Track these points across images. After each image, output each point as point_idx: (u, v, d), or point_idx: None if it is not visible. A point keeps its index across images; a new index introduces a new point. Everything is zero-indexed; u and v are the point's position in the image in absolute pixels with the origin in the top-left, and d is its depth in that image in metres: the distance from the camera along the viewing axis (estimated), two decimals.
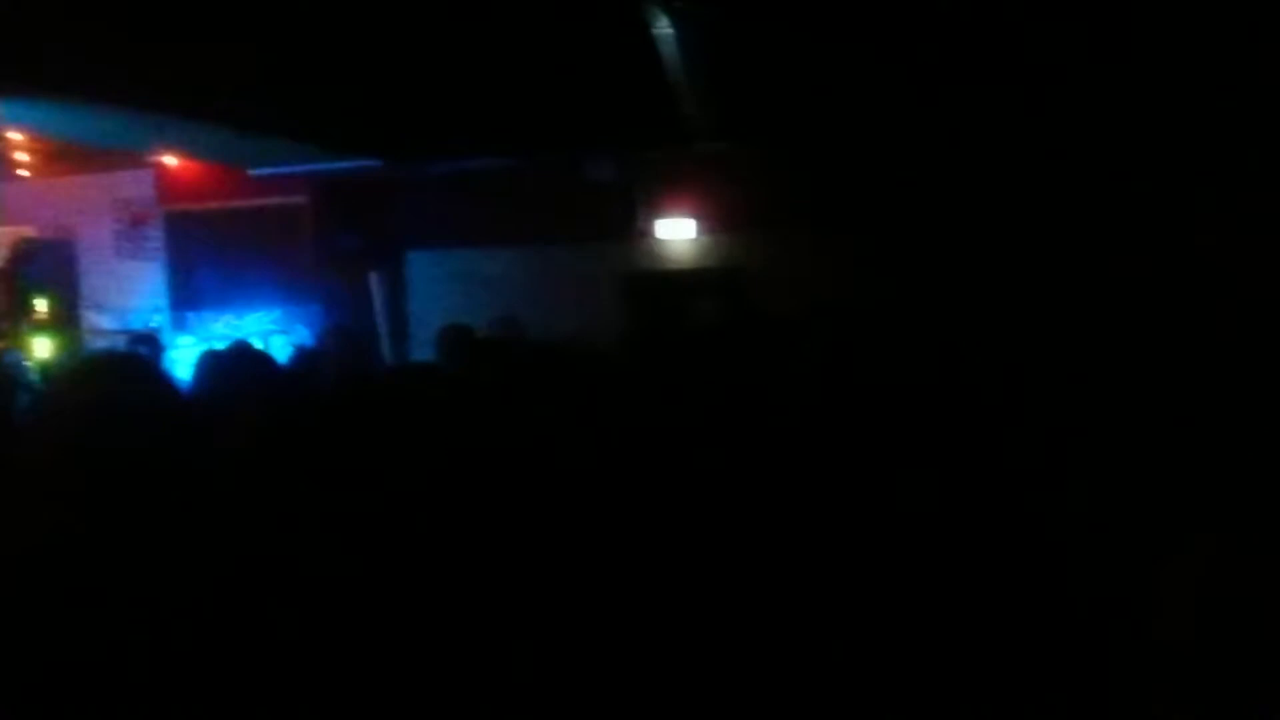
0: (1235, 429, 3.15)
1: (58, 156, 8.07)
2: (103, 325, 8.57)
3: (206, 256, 8.75)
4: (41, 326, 7.97)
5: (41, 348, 7.74)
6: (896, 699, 2.40)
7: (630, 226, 8.24)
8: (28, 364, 6.77)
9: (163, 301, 8.90)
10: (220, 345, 4.54)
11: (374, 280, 8.52)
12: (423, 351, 7.20)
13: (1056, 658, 2.43)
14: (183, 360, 7.20)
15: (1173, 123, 6.12)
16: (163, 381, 2.12)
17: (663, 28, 5.38)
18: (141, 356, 5.12)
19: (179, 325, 8.72)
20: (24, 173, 8.27)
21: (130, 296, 8.86)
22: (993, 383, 3.77)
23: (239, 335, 7.50)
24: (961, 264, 6.64)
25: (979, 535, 2.78)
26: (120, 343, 6.74)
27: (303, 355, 5.05)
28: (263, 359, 3.59)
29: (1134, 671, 2.34)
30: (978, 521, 2.85)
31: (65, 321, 8.30)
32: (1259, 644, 2.22)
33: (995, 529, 2.81)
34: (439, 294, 8.22)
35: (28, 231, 8.62)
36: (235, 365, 3.27)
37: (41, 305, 8.08)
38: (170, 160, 8.60)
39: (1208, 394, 3.46)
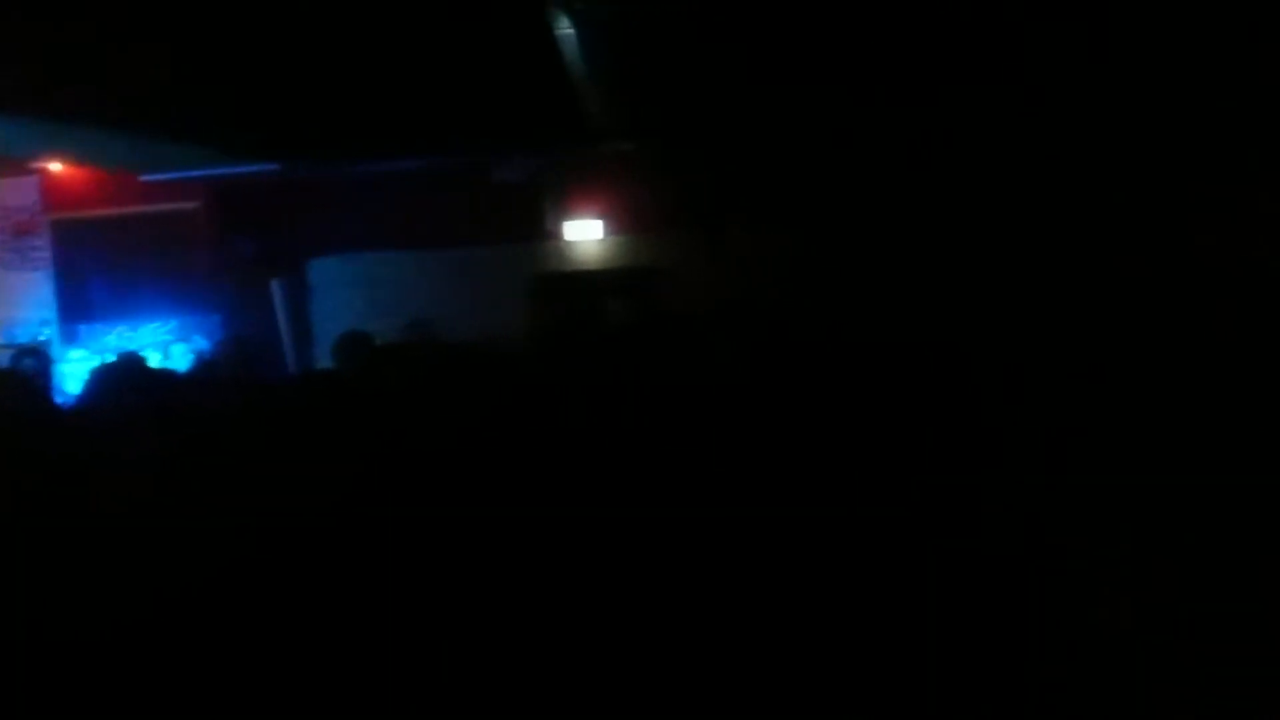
0: (1159, 427, 3.23)
1: None
2: None
3: (97, 266, 8.43)
4: None
5: None
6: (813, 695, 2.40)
7: (538, 228, 8.18)
8: None
9: (51, 313, 8.56)
10: (112, 358, 4.38)
11: (275, 287, 8.32)
12: (329, 360, 7.05)
13: (978, 649, 2.45)
14: (74, 374, 6.94)
15: (1086, 115, 6.25)
16: (42, 396, 2.02)
17: (564, 28, 5.34)
18: (23, 371, 4.91)
19: (69, 338, 8.39)
20: None
21: (15, 309, 8.50)
22: (905, 379, 3.81)
23: (132, 347, 7.26)
24: (875, 261, 6.72)
25: (896, 531, 2.80)
26: (4, 357, 6.46)
27: (199, 366, 4.89)
28: (153, 372, 3.46)
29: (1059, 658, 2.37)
30: (895, 517, 2.87)
31: None
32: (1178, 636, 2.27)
33: (911, 524, 2.84)
34: (344, 300, 8.07)
35: None
36: (123, 379, 3.14)
37: None
38: (56, 166, 8.27)
39: (1118, 391, 3.54)
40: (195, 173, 7.96)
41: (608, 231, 8.16)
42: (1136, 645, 2.38)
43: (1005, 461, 3.12)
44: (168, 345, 7.91)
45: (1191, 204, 6.22)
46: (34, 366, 5.38)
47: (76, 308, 8.47)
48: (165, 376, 3.48)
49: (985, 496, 2.87)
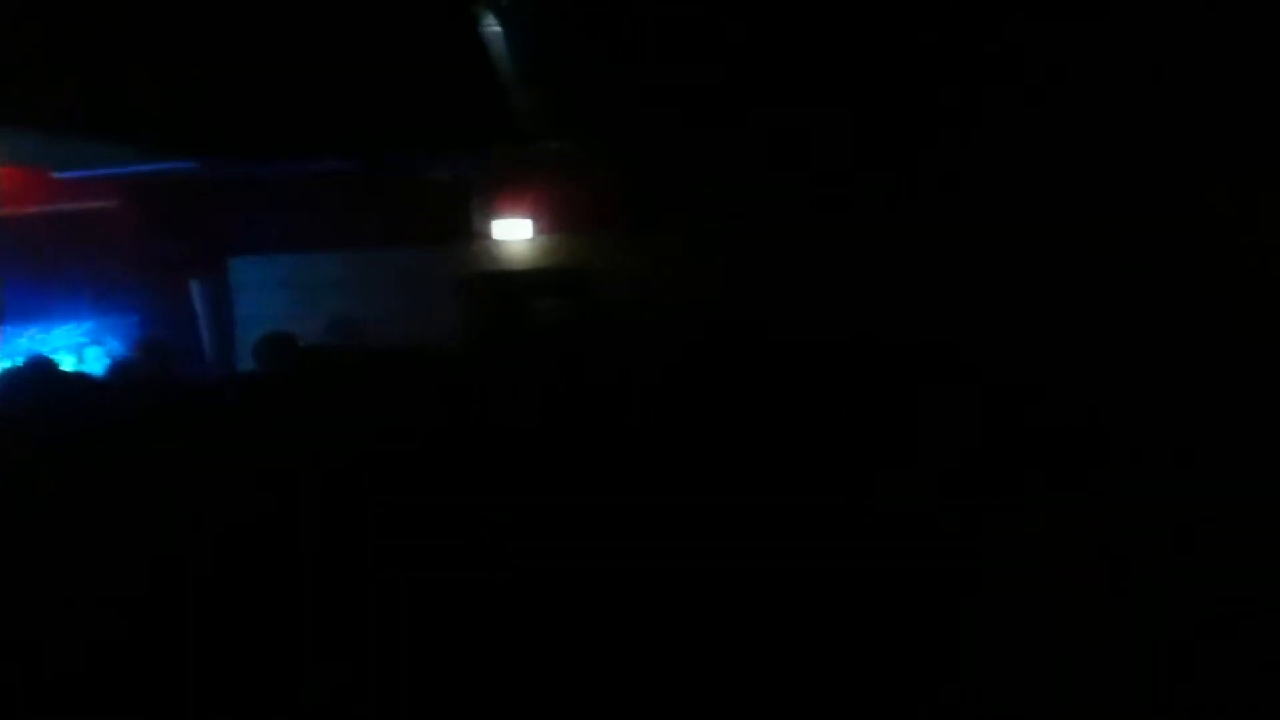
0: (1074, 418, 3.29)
1: None
2: None
3: (8, 266, 8.17)
4: None
5: None
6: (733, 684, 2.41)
7: (466, 228, 8.11)
8: None
9: None
10: (22, 361, 4.24)
11: (196, 288, 8.14)
12: (252, 362, 6.93)
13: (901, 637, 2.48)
14: None
15: (1011, 113, 6.34)
16: None
17: (490, 25, 5.30)
18: None
19: None
20: None
21: None
22: (837, 377, 3.84)
23: (45, 350, 7.05)
24: (807, 261, 6.75)
25: (831, 528, 2.82)
26: None
27: (114, 370, 4.76)
28: (66, 375, 3.36)
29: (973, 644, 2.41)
30: (829, 513, 2.90)
31: None
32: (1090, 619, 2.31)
33: (846, 520, 2.86)
34: (268, 301, 7.92)
35: None
36: (34, 383, 3.04)
37: None
38: None
39: (1043, 383, 3.61)
40: (112, 170, 7.76)
41: (537, 231, 8.11)
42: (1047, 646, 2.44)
43: (944, 457, 3.15)
44: (82, 348, 7.69)
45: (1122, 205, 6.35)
46: None
47: None
48: (78, 380, 3.38)
49: (924, 493, 2.91)
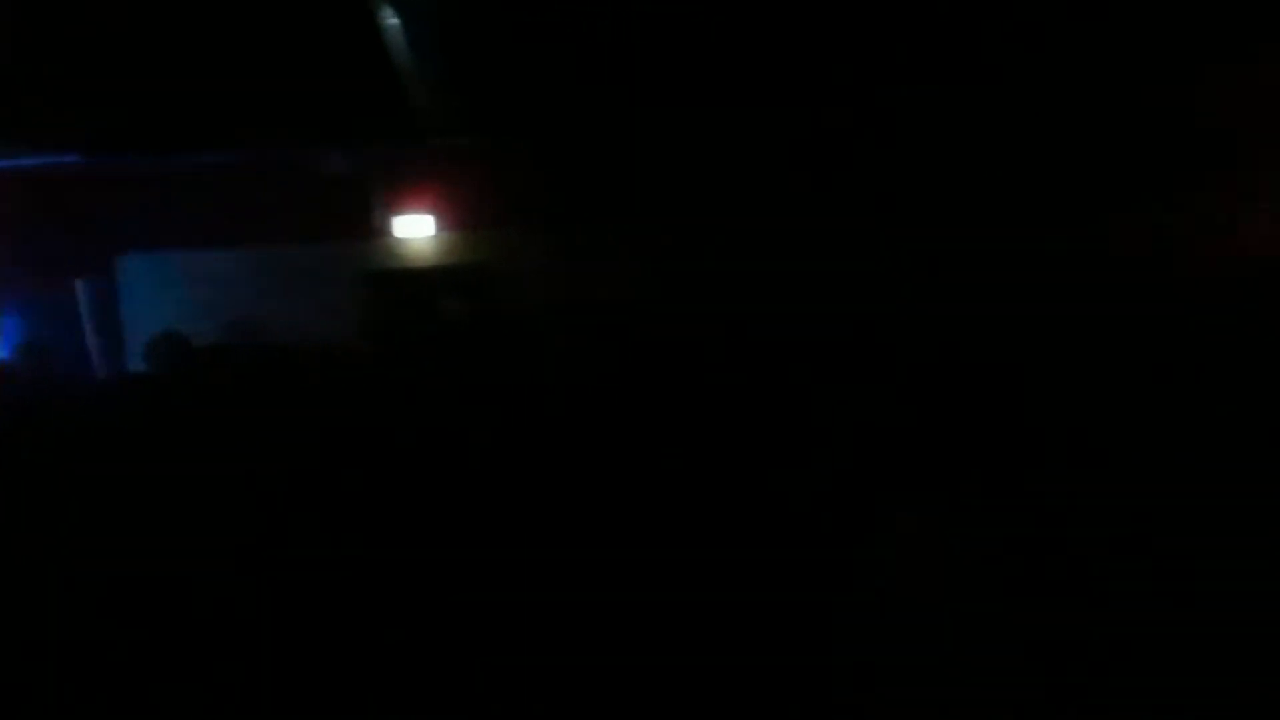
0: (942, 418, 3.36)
1: None
2: None
3: None
4: None
5: None
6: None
7: (366, 224, 7.94)
8: None
9: None
10: None
11: (80, 288, 7.81)
12: (141, 363, 6.70)
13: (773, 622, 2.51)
14: None
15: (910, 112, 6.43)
16: None
17: (388, 18, 5.20)
18: None
19: None
20: None
21: None
22: (734, 374, 3.85)
23: None
24: (713, 259, 6.76)
25: (728, 518, 2.83)
26: None
27: None
28: None
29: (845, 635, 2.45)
30: (724, 506, 2.90)
31: None
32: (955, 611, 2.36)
33: (739, 513, 2.87)
34: (157, 301, 7.64)
35: None
36: None
37: None
38: None
39: (914, 385, 3.67)
40: None
41: (440, 228, 7.98)
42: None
43: (857, 454, 3.19)
44: None
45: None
46: None
47: None
48: None
49: (827, 488, 2.93)
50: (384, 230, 7.92)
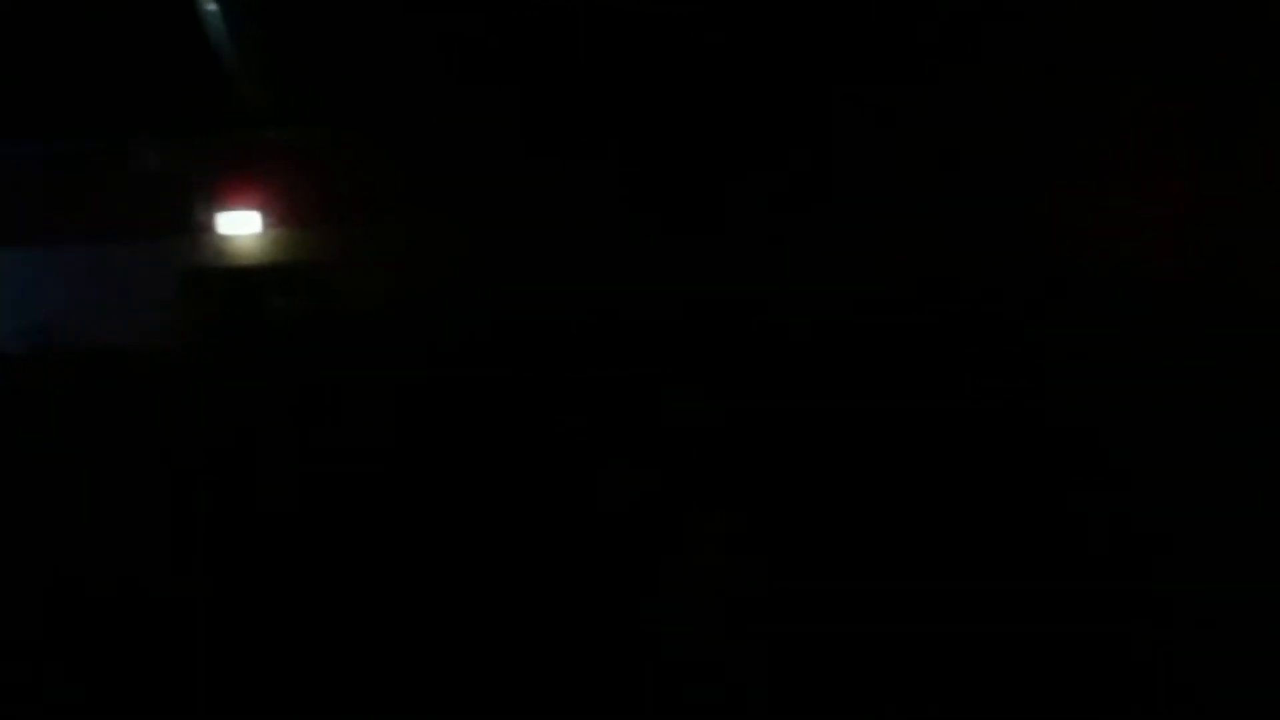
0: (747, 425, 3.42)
1: None
2: None
3: None
4: None
5: None
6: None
7: (187, 220, 7.57)
8: None
9: None
10: None
11: None
12: None
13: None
14: None
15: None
16: None
17: (208, 5, 4.96)
18: None
19: None
20: None
21: None
22: (577, 370, 3.83)
23: None
24: (545, 253, 6.70)
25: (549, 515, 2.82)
26: None
27: None
28: None
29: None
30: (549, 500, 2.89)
31: None
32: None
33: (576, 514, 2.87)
34: None
35: None
36: None
37: None
38: None
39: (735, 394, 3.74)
40: None
41: (266, 224, 7.68)
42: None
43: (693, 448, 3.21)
44: None
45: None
46: None
47: None
48: None
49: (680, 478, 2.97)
50: (206, 226, 7.58)
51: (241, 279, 7.51)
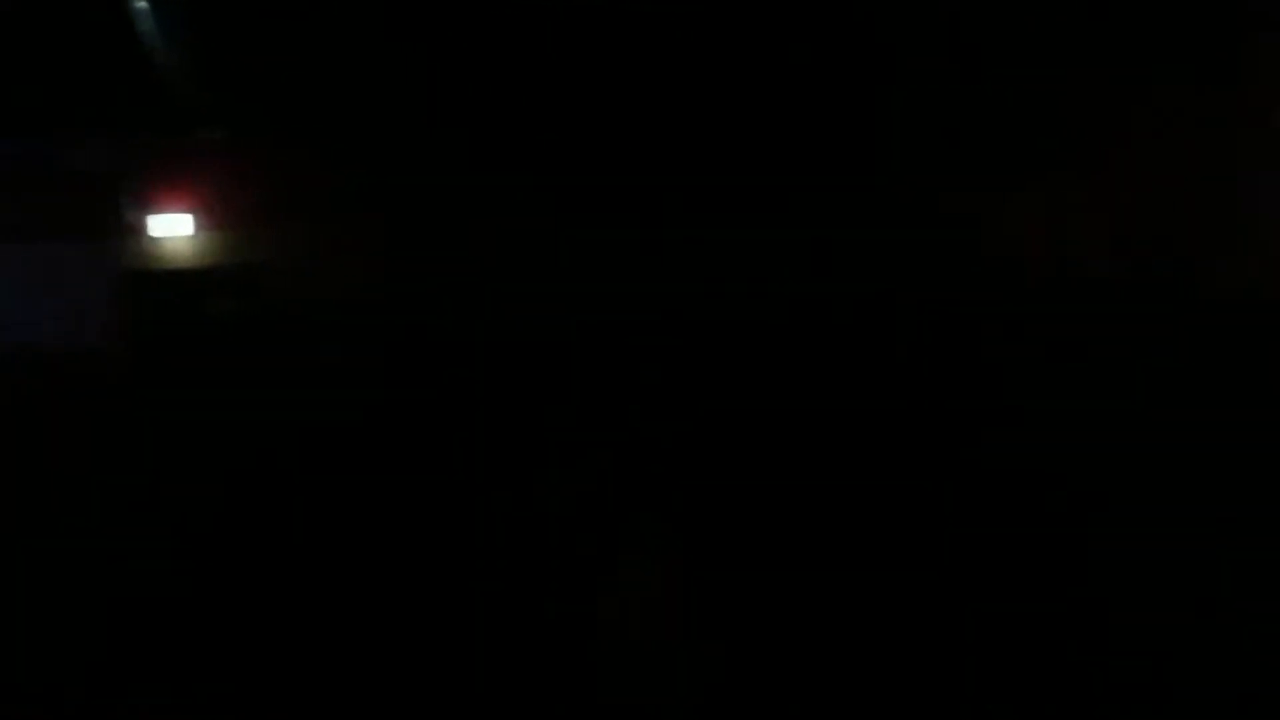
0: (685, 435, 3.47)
1: None
2: None
3: None
4: None
5: None
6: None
7: (118, 222, 7.46)
8: None
9: None
10: None
11: None
12: None
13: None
14: None
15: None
16: None
17: (138, 3, 4.91)
18: None
19: None
20: None
21: None
22: (513, 373, 3.84)
23: None
24: (486, 258, 6.68)
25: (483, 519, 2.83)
26: None
27: None
28: None
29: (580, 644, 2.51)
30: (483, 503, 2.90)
31: None
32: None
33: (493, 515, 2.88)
34: None
35: None
36: None
37: None
38: None
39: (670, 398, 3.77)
40: None
41: (199, 226, 7.59)
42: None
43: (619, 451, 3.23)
44: None
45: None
46: None
47: None
48: None
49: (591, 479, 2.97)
50: (140, 229, 7.48)
51: (175, 281, 7.41)
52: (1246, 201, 5.84)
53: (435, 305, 5.29)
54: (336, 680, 2.36)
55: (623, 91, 6.31)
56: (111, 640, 2.22)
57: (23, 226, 7.12)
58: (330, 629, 2.48)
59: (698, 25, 6.14)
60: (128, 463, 3.05)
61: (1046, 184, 6.30)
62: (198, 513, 2.82)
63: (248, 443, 3.24)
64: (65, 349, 5.51)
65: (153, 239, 7.72)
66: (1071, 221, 6.09)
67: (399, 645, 2.49)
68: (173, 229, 7.61)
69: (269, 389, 3.60)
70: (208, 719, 2.18)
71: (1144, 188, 6.06)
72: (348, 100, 6.54)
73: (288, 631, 2.45)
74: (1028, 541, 3.33)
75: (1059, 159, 6.24)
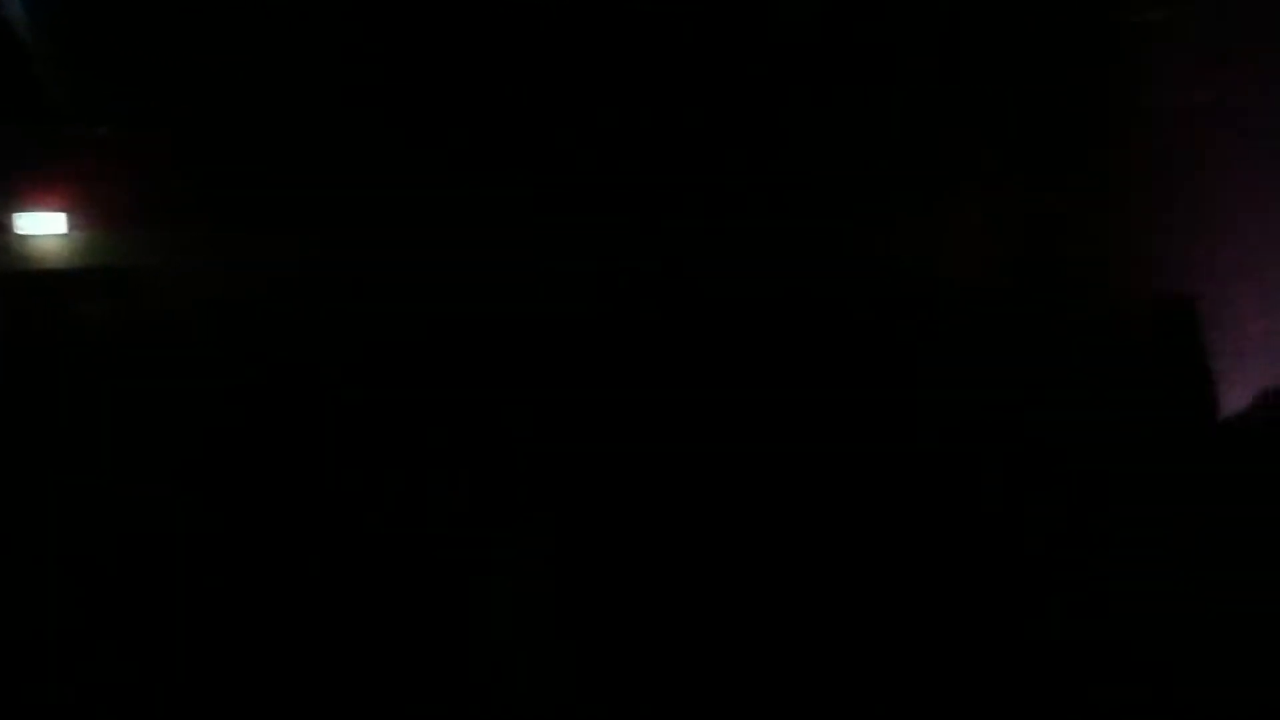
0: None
1: None
2: None
3: None
4: None
5: None
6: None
7: None
8: None
9: None
10: None
11: None
12: None
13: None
14: None
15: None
16: None
17: None
18: None
19: None
20: None
21: None
22: (392, 384, 3.76)
23: None
24: (367, 265, 6.54)
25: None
26: None
27: None
28: None
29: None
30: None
31: None
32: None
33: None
34: None
35: None
36: None
37: None
38: None
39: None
40: None
41: (72, 225, 7.29)
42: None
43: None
44: None
45: None
46: None
47: None
48: None
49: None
50: (6, 226, 7.14)
51: (45, 283, 7.10)
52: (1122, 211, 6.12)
53: (311, 311, 5.14)
54: (191, 685, 2.28)
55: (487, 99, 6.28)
56: None
57: None
58: (192, 632, 2.41)
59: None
60: None
61: (944, 197, 6.46)
62: (65, 515, 2.72)
63: (117, 447, 3.12)
64: None
65: (21, 238, 7.37)
66: (962, 230, 6.25)
67: (266, 651, 2.42)
68: (43, 227, 7.28)
69: (139, 395, 3.46)
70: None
71: (1027, 201, 6.27)
72: (231, 96, 6.35)
73: (148, 631, 2.37)
74: (905, 543, 3.36)
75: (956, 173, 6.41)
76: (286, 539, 2.68)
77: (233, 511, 2.73)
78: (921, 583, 3.21)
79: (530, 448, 3.28)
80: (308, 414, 3.20)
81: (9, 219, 7.29)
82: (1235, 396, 4.75)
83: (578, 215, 6.39)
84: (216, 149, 6.72)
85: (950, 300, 5.05)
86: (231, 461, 2.96)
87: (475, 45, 5.76)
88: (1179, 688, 2.91)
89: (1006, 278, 5.67)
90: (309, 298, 5.73)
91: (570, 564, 2.80)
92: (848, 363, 4.27)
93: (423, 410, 3.43)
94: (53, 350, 5.41)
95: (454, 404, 3.47)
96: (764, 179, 6.42)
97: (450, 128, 6.38)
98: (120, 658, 2.26)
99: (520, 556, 2.78)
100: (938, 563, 3.29)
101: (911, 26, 6.16)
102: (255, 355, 3.71)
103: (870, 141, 6.44)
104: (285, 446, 3.03)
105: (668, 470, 3.32)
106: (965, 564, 3.25)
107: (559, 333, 4.64)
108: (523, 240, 6.25)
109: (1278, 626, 3.07)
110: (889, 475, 3.59)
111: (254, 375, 3.51)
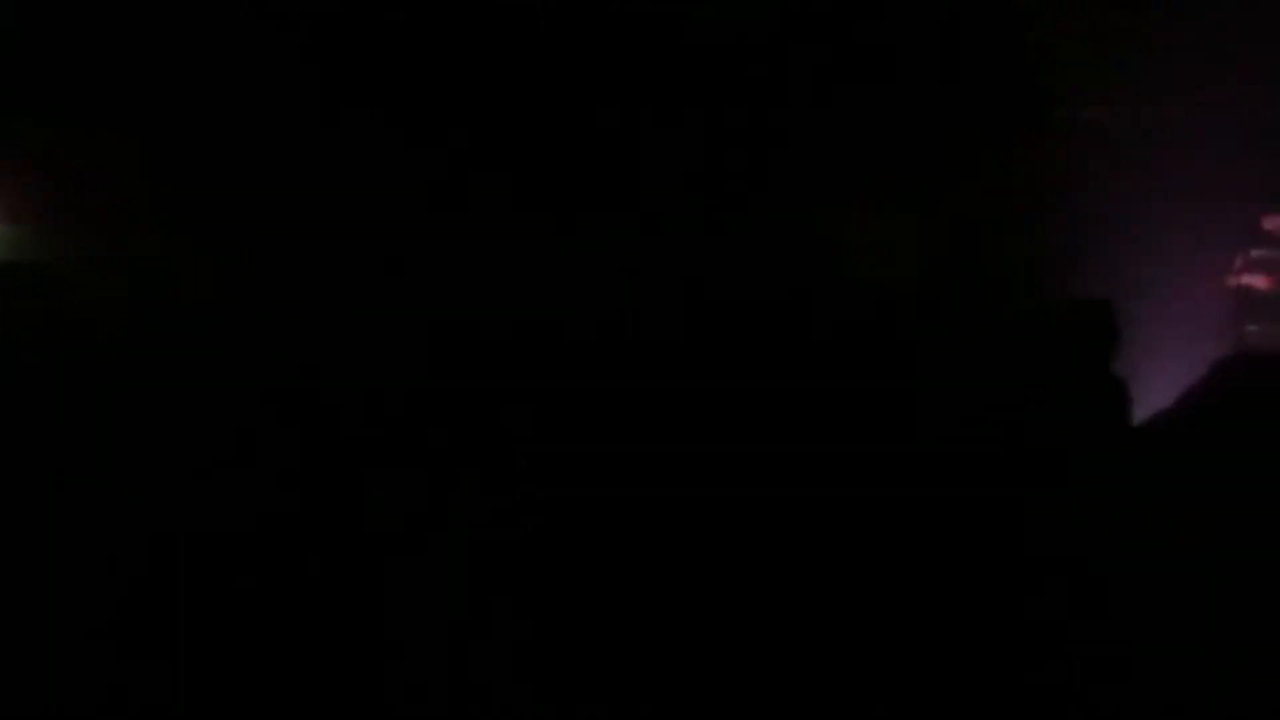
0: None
1: None
2: None
3: None
4: None
5: None
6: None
7: None
8: None
9: None
10: None
11: None
12: None
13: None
14: None
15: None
16: None
17: None
18: None
19: None
20: None
21: None
22: (333, 382, 3.77)
23: None
24: (307, 263, 6.49)
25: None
26: None
27: None
28: None
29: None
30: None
31: None
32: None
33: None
34: None
35: None
36: None
37: None
38: None
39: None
40: None
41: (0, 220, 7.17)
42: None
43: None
44: None
45: None
46: None
47: None
48: None
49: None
50: None
51: None
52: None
53: (246, 310, 5.11)
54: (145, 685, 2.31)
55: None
56: None
57: None
58: (147, 633, 2.43)
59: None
60: None
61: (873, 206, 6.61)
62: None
63: (45, 449, 3.11)
64: None
65: None
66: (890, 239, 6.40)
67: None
68: None
69: (68, 394, 3.44)
70: None
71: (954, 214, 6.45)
72: (164, 94, 6.29)
73: (105, 632, 2.38)
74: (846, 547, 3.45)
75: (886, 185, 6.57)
76: (225, 537, 2.71)
77: (170, 514, 2.74)
78: (852, 582, 3.30)
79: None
80: (239, 415, 3.22)
81: None
82: (1152, 395, 4.96)
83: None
84: (156, 149, 6.63)
85: (873, 305, 5.17)
86: (161, 460, 2.97)
87: (422, 35, 5.77)
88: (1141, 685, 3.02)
89: (927, 283, 5.82)
90: (242, 298, 5.70)
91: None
92: (775, 366, 4.36)
93: (362, 411, 3.45)
94: None
95: (393, 404, 3.49)
96: (690, 184, 6.51)
97: (389, 125, 6.37)
98: (96, 659, 2.28)
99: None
100: (880, 563, 3.38)
101: (838, 38, 6.29)
102: (181, 353, 3.71)
103: (793, 149, 6.57)
104: (215, 449, 3.05)
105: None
106: (906, 564, 3.34)
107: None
108: (454, 242, 6.27)
109: (1230, 616, 3.19)
110: (821, 475, 3.68)
111: (178, 372, 3.51)
